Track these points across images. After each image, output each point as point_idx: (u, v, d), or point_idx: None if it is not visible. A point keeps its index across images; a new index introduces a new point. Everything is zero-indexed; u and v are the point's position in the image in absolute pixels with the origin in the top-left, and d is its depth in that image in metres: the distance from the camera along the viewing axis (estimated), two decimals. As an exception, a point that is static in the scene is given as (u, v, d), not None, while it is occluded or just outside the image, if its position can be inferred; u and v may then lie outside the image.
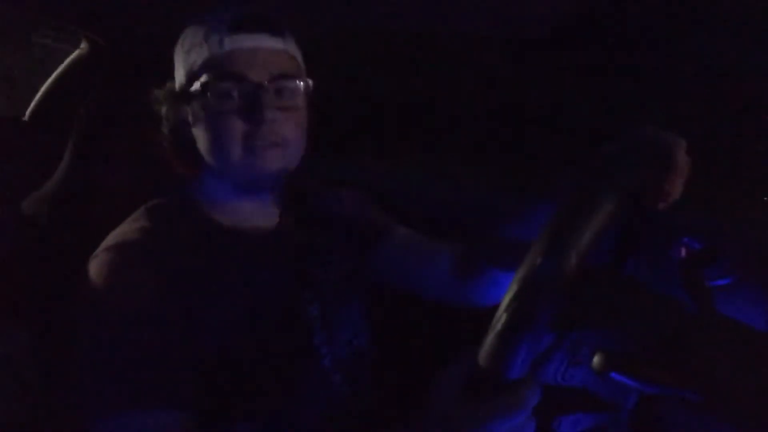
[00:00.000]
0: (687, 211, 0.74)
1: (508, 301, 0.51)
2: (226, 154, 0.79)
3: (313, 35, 0.90)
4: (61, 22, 1.20)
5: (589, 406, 0.60)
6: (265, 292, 0.83)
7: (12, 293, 0.92)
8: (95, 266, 0.75)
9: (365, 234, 0.99)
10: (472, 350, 0.53)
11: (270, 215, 0.91)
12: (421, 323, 1.21)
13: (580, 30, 1.06)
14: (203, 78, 0.79)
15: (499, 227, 0.88)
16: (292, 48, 0.84)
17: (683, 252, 0.88)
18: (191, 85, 0.80)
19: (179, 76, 0.84)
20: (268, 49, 0.80)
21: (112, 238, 0.79)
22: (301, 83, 0.82)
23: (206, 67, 0.79)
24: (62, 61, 1.34)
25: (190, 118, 0.83)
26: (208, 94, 0.78)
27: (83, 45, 1.27)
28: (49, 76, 1.37)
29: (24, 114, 1.41)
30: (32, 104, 1.37)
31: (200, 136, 0.82)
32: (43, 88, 1.36)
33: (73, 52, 1.31)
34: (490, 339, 0.51)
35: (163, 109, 0.86)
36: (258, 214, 0.89)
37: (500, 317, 0.50)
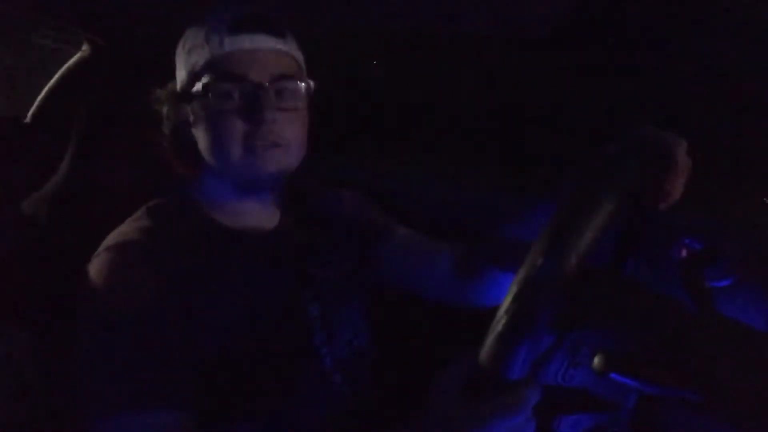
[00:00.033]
0: (687, 211, 0.74)
1: (508, 302, 0.51)
2: (227, 154, 0.79)
3: (313, 35, 0.90)
4: (61, 23, 1.20)
5: (589, 406, 0.60)
6: (265, 292, 0.83)
7: (12, 293, 0.92)
8: (96, 266, 0.75)
9: (365, 234, 0.99)
10: (472, 350, 0.53)
11: (270, 215, 0.91)
12: (421, 323, 1.21)
13: (580, 30, 1.06)
14: (204, 78, 0.79)
15: (499, 227, 0.88)
16: (292, 48, 0.84)
17: (683, 252, 0.88)
18: (192, 85, 0.80)
19: (180, 77, 0.84)
20: (269, 49, 0.80)
21: (112, 238, 0.79)
22: (302, 84, 0.82)
23: (207, 67, 0.79)
24: (63, 62, 1.34)
25: (190, 119, 0.83)
26: (209, 94, 0.79)
27: (85, 47, 1.27)
28: (49, 76, 1.37)
29: (24, 114, 1.41)
30: (34, 105, 1.37)
31: (201, 136, 0.82)
32: (44, 90, 1.36)
33: (73, 52, 1.31)
34: (490, 340, 0.51)
35: (164, 110, 0.86)
36: (258, 214, 0.89)
37: (501, 318, 0.50)
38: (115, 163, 1.07)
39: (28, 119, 1.37)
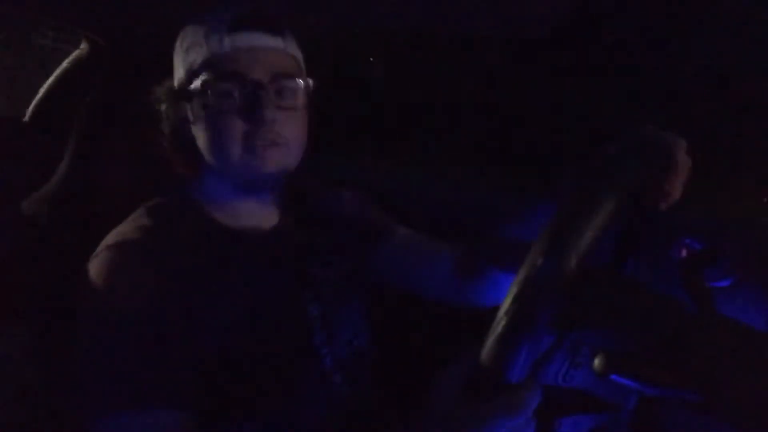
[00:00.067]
0: (687, 211, 0.74)
1: (508, 303, 0.51)
2: (226, 154, 0.79)
3: (313, 35, 0.90)
4: (60, 22, 1.20)
5: (589, 407, 0.60)
6: (265, 292, 0.83)
7: (12, 293, 0.92)
8: (95, 265, 0.75)
9: (365, 234, 0.99)
10: (473, 350, 0.53)
11: (270, 215, 0.91)
12: (421, 323, 1.21)
13: (580, 30, 1.06)
14: (203, 77, 0.79)
15: (499, 227, 0.88)
16: (292, 47, 0.84)
17: (683, 252, 0.88)
18: (191, 83, 0.80)
19: (178, 75, 0.84)
20: (269, 48, 0.80)
21: (112, 237, 0.79)
22: (302, 83, 0.82)
23: (206, 65, 0.79)
24: (62, 62, 1.34)
25: (189, 117, 0.83)
26: (208, 92, 0.78)
27: (83, 45, 1.27)
28: (49, 76, 1.37)
29: (24, 114, 1.41)
30: (32, 104, 1.37)
31: (200, 135, 0.82)
32: (42, 89, 1.36)
33: (72, 52, 1.31)
34: (490, 341, 0.51)
35: (163, 108, 0.86)
36: (258, 213, 0.89)
37: (501, 319, 0.50)
38: (115, 163, 1.07)
39: (26, 118, 1.37)
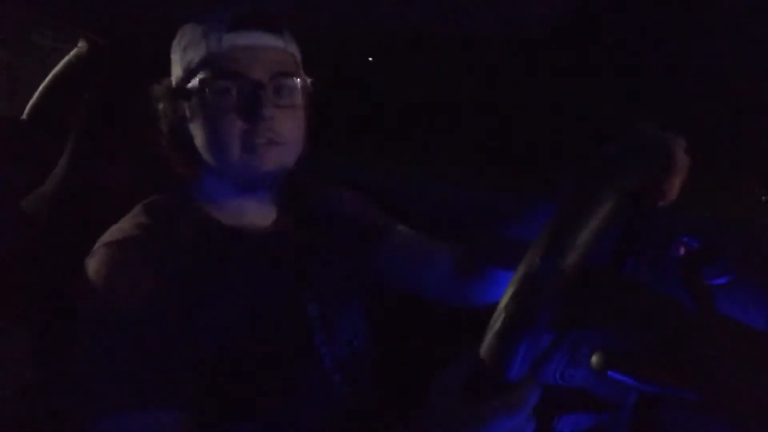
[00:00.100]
0: (686, 210, 0.74)
1: (507, 300, 0.51)
2: (225, 152, 0.79)
3: (313, 35, 0.90)
4: (60, 22, 1.20)
5: (588, 405, 0.60)
6: (264, 291, 0.83)
7: (12, 293, 0.92)
8: (93, 264, 0.75)
9: (365, 234, 0.99)
10: (472, 350, 0.53)
11: (269, 214, 0.91)
12: (421, 323, 1.21)
13: (580, 30, 1.06)
14: (202, 75, 0.79)
15: (499, 227, 0.88)
16: (291, 46, 0.84)
17: (682, 251, 0.88)
18: (189, 82, 0.80)
19: (176, 73, 0.84)
20: (268, 47, 0.80)
21: (109, 235, 0.79)
22: (300, 82, 0.82)
23: (205, 64, 0.79)
24: (61, 60, 1.34)
25: (188, 116, 0.82)
26: (207, 91, 0.78)
27: (81, 44, 1.27)
28: (48, 74, 1.37)
29: (22, 113, 1.41)
30: (30, 103, 1.37)
31: (198, 134, 0.82)
32: (41, 87, 1.36)
33: (71, 51, 1.31)
34: (489, 338, 0.51)
35: (161, 107, 0.86)
36: (257, 213, 0.89)
37: (499, 316, 0.50)
38: (115, 162, 1.07)
39: (24, 116, 1.37)
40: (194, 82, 0.79)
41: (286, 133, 0.81)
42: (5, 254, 0.93)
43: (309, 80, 0.85)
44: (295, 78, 0.82)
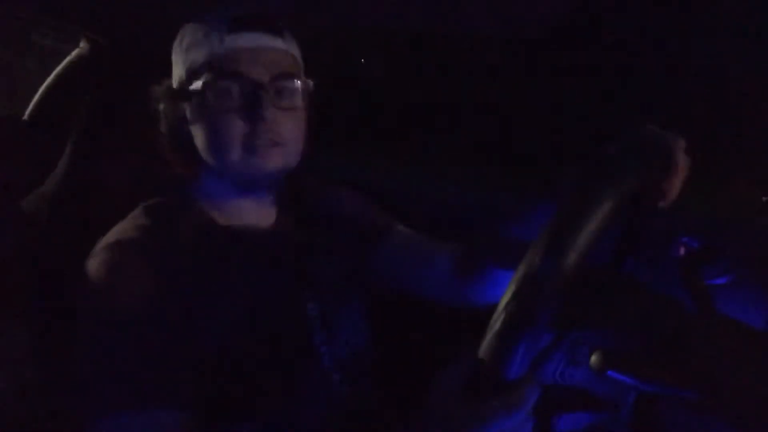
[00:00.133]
0: (686, 210, 0.74)
1: (506, 300, 0.51)
2: (226, 153, 0.79)
3: (313, 35, 0.90)
4: (61, 22, 1.21)
5: (588, 405, 0.60)
6: (264, 291, 0.83)
7: (12, 293, 0.92)
8: (94, 265, 0.75)
9: (365, 234, 0.99)
10: (472, 350, 0.53)
11: (269, 214, 0.91)
12: (421, 323, 1.21)
13: (580, 30, 1.06)
14: (203, 76, 0.79)
15: (499, 227, 0.88)
16: (292, 47, 0.84)
17: (682, 251, 0.88)
18: (190, 83, 0.80)
19: (177, 74, 0.84)
20: (269, 48, 0.80)
21: (110, 237, 0.79)
22: (301, 83, 0.82)
23: (206, 65, 0.79)
24: (62, 61, 1.34)
25: (188, 116, 0.83)
26: (208, 92, 0.78)
27: (82, 44, 1.27)
28: (49, 76, 1.37)
29: (23, 113, 1.41)
30: (32, 103, 1.37)
31: (199, 135, 0.82)
32: (42, 87, 1.36)
33: (73, 51, 1.31)
34: (489, 338, 0.51)
35: (161, 107, 0.86)
36: (257, 213, 0.89)
37: (499, 316, 0.50)
38: (115, 162, 1.07)
39: (26, 117, 1.38)
40: (196, 83, 0.79)
41: (287, 134, 0.81)
42: (5, 254, 0.93)
43: (310, 81, 0.85)
44: (296, 79, 0.82)
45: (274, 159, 0.80)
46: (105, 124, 1.09)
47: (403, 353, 1.14)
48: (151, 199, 0.86)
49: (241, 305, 0.80)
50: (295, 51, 0.85)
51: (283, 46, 0.82)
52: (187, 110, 0.82)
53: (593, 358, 0.50)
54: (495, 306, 0.52)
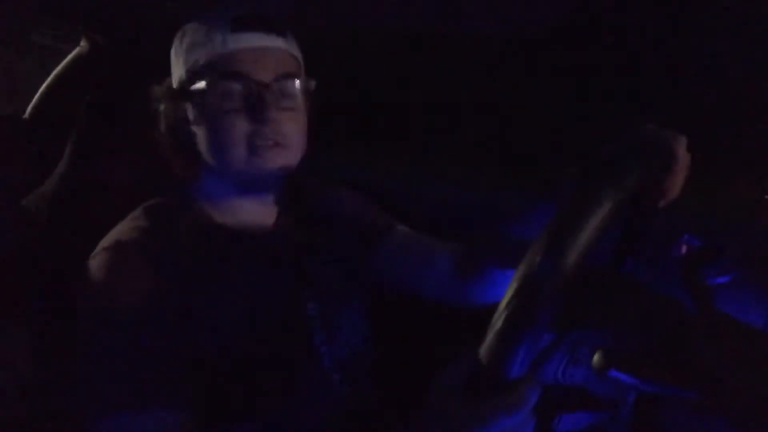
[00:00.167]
0: (687, 209, 0.74)
1: (507, 299, 0.51)
2: (229, 154, 0.79)
3: (313, 35, 0.90)
4: (61, 21, 1.21)
5: (588, 404, 0.60)
6: (264, 291, 0.83)
7: (12, 293, 0.92)
8: (94, 266, 0.75)
9: (365, 233, 0.99)
10: (472, 350, 0.53)
11: (269, 214, 0.91)
12: (421, 323, 1.21)
13: (580, 30, 1.06)
14: (206, 77, 0.79)
15: (499, 227, 0.88)
16: (293, 48, 0.84)
17: (683, 250, 0.88)
18: (192, 83, 0.80)
19: (178, 74, 0.83)
20: (272, 48, 0.80)
21: (109, 238, 0.79)
22: (303, 83, 0.82)
23: (208, 65, 0.79)
24: (62, 60, 1.34)
25: (190, 117, 0.82)
26: (210, 92, 0.78)
27: (83, 43, 1.27)
28: (49, 75, 1.37)
29: (23, 113, 1.41)
30: (32, 103, 1.37)
31: (201, 135, 0.82)
32: (42, 87, 1.37)
33: (73, 50, 1.31)
34: (489, 338, 0.51)
35: (162, 107, 0.85)
36: (257, 213, 0.89)
37: (500, 316, 0.50)
38: (115, 162, 1.07)
39: (26, 116, 1.38)
40: (198, 83, 0.79)
41: (289, 134, 0.81)
42: (5, 254, 0.93)
43: (312, 82, 0.85)
44: (298, 79, 0.82)
45: (276, 159, 0.80)
46: (105, 124, 1.09)
47: (403, 353, 1.14)
48: (151, 199, 0.86)
49: (241, 305, 0.80)
50: (296, 51, 0.85)
51: (285, 47, 0.82)
52: (189, 110, 0.82)
53: (595, 358, 0.50)
54: (495, 306, 0.52)
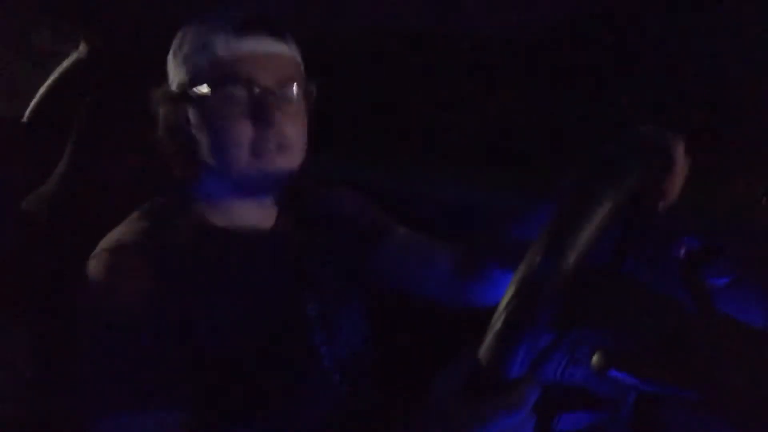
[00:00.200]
0: (686, 210, 0.74)
1: (507, 300, 0.51)
2: (233, 158, 0.79)
3: (313, 35, 0.90)
4: (60, 23, 1.21)
5: (588, 404, 0.60)
6: (264, 292, 0.83)
7: (12, 293, 0.92)
8: (93, 266, 0.75)
9: (365, 234, 0.99)
10: (472, 350, 0.53)
11: (269, 215, 0.91)
12: (421, 323, 1.21)
13: (580, 30, 1.06)
14: (210, 81, 0.78)
15: (499, 227, 0.88)
16: (295, 51, 0.84)
17: (682, 251, 0.88)
18: (195, 87, 0.79)
19: (179, 78, 0.82)
20: (275, 53, 0.80)
21: (109, 239, 0.79)
22: (305, 87, 0.82)
23: (213, 69, 0.78)
24: (61, 63, 1.34)
25: (192, 120, 0.81)
26: (214, 97, 0.78)
27: (82, 46, 1.27)
28: (47, 77, 1.37)
29: (23, 115, 1.41)
30: (31, 105, 1.37)
31: (204, 139, 0.81)
32: (42, 89, 1.37)
33: (71, 53, 1.31)
34: (489, 338, 0.51)
35: (162, 110, 0.84)
36: (257, 214, 0.89)
37: (499, 316, 0.50)
38: (115, 163, 1.07)
39: (25, 118, 1.38)
40: (201, 87, 0.78)
41: (293, 137, 0.81)
42: (5, 254, 0.93)
43: (313, 85, 0.85)
44: (300, 84, 0.82)
45: (281, 163, 0.80)
46: (104, 125, 1.09)
47: (403, 353, 1.14)
48: (151, 200, 0.86)
49: (241, 306, 0.80)
50: (297, 54, 0.84)
51: (288, 51, 0.81)
52: (190, 114, 0.81)
53: (595, 358, 0.50)
54: (495, 306, 0.52)
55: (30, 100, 1.40)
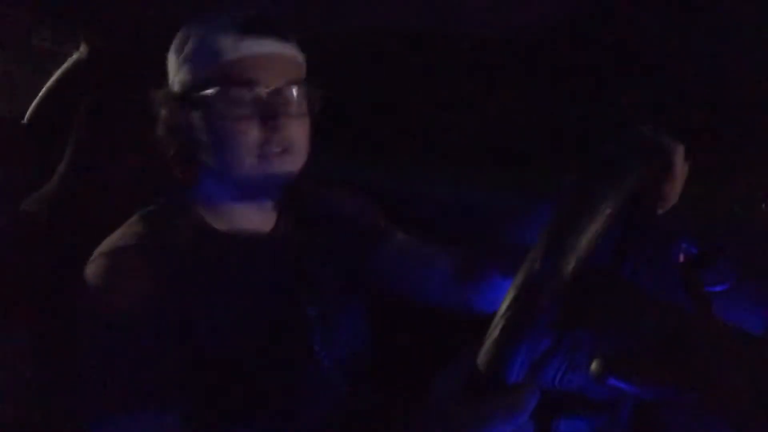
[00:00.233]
0: (685, 213, 0.74)
1: (506, 304, 0.50)
2: (238, 161, 0.78)
3: (313, 35, 0.90)
4: (60, 24, 1.21)
5: (587, 408, 0.60)
6: (263, 293, 0.83)
7: (12, 293, 0.92)
8: (93, 269, 0.75)
9: (365, 234, 0.99)
10: (472, 350, 0.53)
11: (269, 217, 0.91)
12: (421, 323, 1.21)
13: (580, 30, 1.06)
14: (215, 83, 0.77)
15: (499, 227, 0.88)
16: (298, 53, 0.83)
17: (681, 256, 0.88)
18: (200, 89, 0.78)
19: (181, 80, 0.81)
20: (281, 55, 0.79)
21: (106, 244, 0.79)
22: (308, 89, 0.82)
23: (219, 71, 0.77)
24: (62, 64, 1.34)
25: (195, 123, 0.80)
26: (221, 99, 0.77)
27: (82, 46, 1.27)
28: (49, 78, 1.37)
29: (23, 116, 1.41)
30: (32, 106, 1.37)
31: (207, 141, 0.80)
32: (42, 91, 1.37)
33: (72, 53, 1.31)
34: (488, 342, 0.51)
35: (163, 112, 0.83)
36: (257, 216, 0.89)
37: (499, 321, 0.50)
38: (114, 164, 1.07)
39: (26, 120, 1.38)
40: (206, 90, 0.77)
41: (297, 140, 0.81)
42: (5, 254, 0.93)
43: (318, 87, 0.84)
44: (304, 86, 0.81)
45: (284, 166, 0.80)
46: (104, 127, 1.09)
47: (403, 353, 1.14)
48: (150, 201, 0.86)
49: (241, 307, 0.80)
50: (300, 56, 0.84)
51: (292, 53, 0.81)
52: (194, 116, 0.80)
53: (593, 366, 0.50)
54: (495, 311, 0.52)
55: (30, 101, 1.40)
